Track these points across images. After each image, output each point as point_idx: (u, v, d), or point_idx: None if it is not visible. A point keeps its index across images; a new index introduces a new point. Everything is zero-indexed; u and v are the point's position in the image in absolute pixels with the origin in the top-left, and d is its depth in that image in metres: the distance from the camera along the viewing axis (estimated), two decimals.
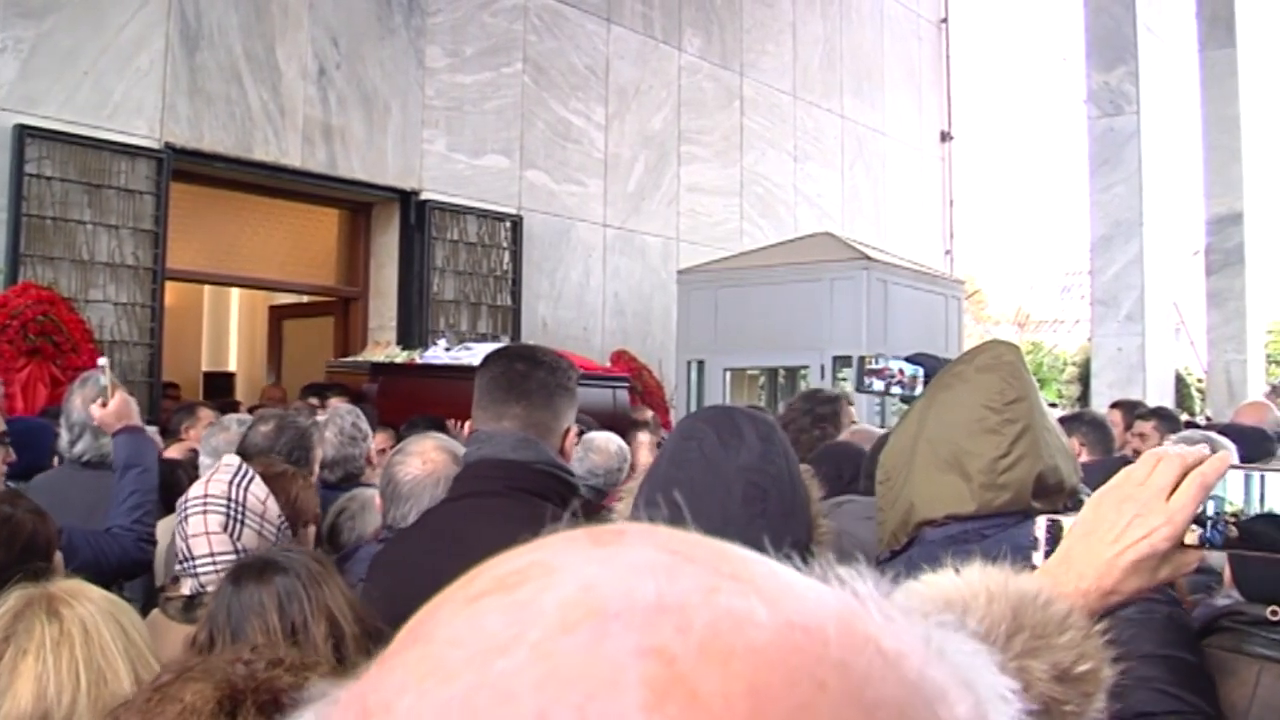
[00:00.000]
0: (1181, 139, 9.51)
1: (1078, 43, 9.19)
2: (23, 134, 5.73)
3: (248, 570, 1.63)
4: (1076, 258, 17.69)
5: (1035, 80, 35.48)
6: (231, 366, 11.00)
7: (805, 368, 7.17)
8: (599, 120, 9.03)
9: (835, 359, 6.75)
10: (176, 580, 2.18)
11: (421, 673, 0.30)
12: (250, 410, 4.94)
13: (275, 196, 7.66)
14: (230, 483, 2.17)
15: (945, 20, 13.44)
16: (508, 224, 8.29)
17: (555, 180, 8.65)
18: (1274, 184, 10.92)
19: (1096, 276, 8.91)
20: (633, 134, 9.30)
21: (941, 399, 1.81)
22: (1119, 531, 0.97)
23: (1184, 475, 0.98)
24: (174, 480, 3.22)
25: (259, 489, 2.18)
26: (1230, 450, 2.31)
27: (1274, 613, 1.47)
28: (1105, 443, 4.13)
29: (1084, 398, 11.84)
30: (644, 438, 4.32)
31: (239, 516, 2.13)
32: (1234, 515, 1.01)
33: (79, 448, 2.95)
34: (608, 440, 3.69)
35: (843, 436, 3.34)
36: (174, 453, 3.96)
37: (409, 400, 5.71)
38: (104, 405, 2.79)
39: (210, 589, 1.85)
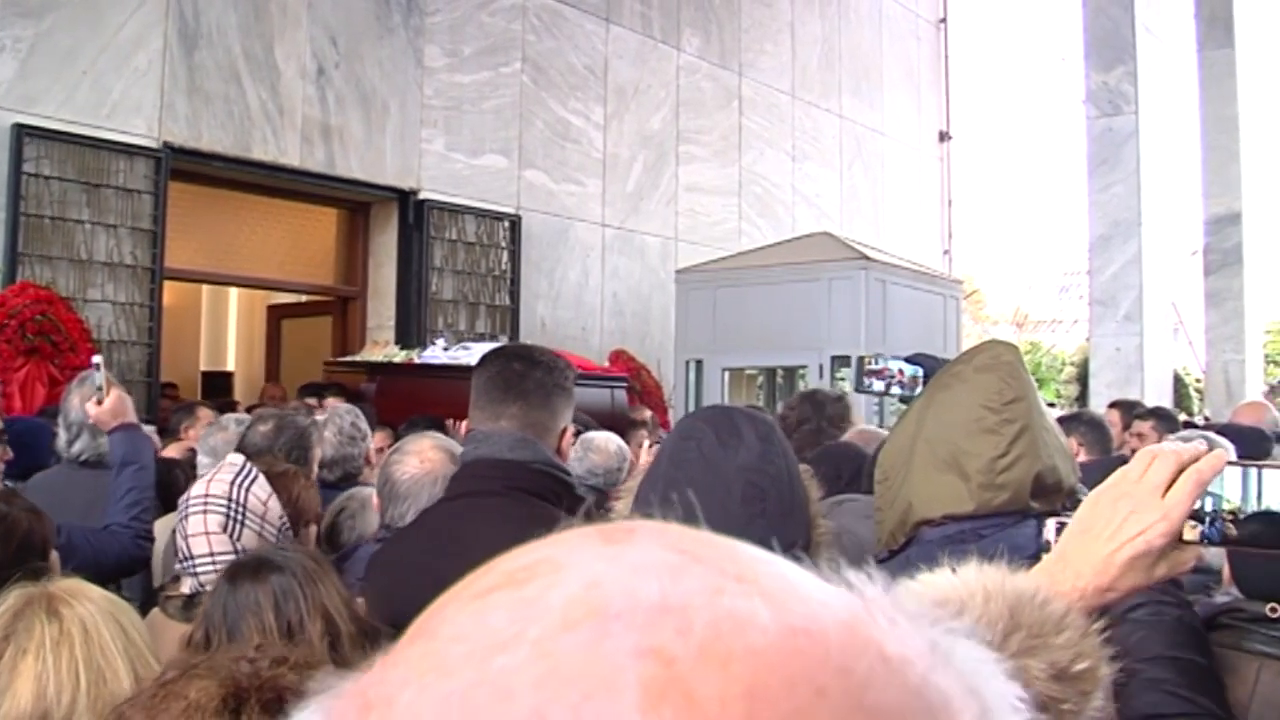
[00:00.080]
0: (1180, 139, 9.52)
1: (1076, 43, 9.20)
2: (21, 133, 5.73)
3: (244, 569, 1.63)
4: (1075, 258, 17.72)
5: (1034, 80, 35.52)
6: (230, 366, 11.00)
7: (804, 368, 7.17)
8: (597, 120, 9.03)
9: (834, 359, 6.75)
10: (177, 579, 2.18)
11: (424, 668, 0.30)
12: (248, 410, 4.94)
13: (274, 196, 7.66)
14: (232, 483, 2.16)
15: (944, 20, 13.45)
16: (506, 224, 8.29)
17: (554, 180, 8.65)
18: (1272, 184, 10.93)
19: (1095, 276, 8.91)
20: (631, 134, 9.30)
21: (940, 399, 1.81)
22: (1115, 528, 0.97)
23: (1179, 472, 0.98)
24: (171, 479, 3.22)
25: (261, 489, 2.18)
26: (1228, 450, 2.32)
27: (1273, 610, 1.47)
28: (1103, 442, 4.14)
29: (1082, 398, 11.86)
30: (647, 445, 4.31)
31: (239, 517, 2.12)
32: (1232, 513, 1.01)
33: (76, 447, 2.94)
34: (607, 440, 3.69)
35: (847, 437, 3.34)
36: (172, 452, 3.95)
37: (407, 400, 5.71)
38: (99, 403, 2.78)
39: (210, 588, 1.85)
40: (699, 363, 7.52)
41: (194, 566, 2.09)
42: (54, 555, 1.98)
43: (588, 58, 8.98)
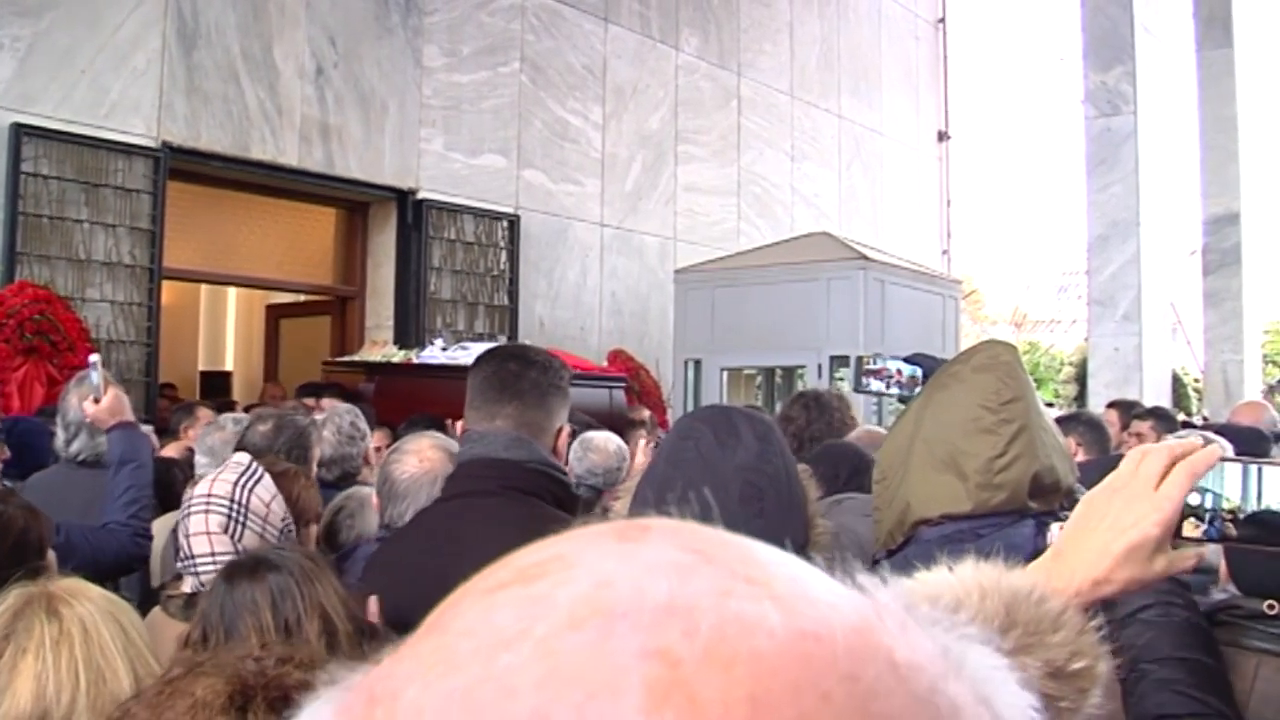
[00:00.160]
0: (1178, 139, 9.52)
1: (1075, 43, 9.20)
2: (19, 133, 5.73)
3: (241, 569, 1.63)
4: (1073, 257, 17.73)
5: (1032, 80, 35.52)
6: (228, 366, 11.00)
7: (802, 367, 7.17)
8: (596, 120, 9.03)
9: (832, 359, 6.75)
10: (178, 577, 2.18)
11: (430, 663, 0.30)
12: (246, 409, 4.94)
13: (272, 195, 7.65)
14: (235, 483, 2.16)
15: (943, 20, 13.46)
16: (505, 223, 8.29)
17: (552, 180, 8.65)
18: (1271, 184, 10.94)
19: (1093, 276, 8.92)
20: (630, 133, 9.30)
21: (938, 399, 1.81)
22: (1109, 522, 0.98)
23: (1173, 465, 0.98)
24: (169, 479, 3.22)
25: (265, 490, 2.18)
26: (1225, 448, 2.32)
27: (1270, 607, 1.48)
28: (1102, 442, 4.14)
29: (1081, 398, 11.86)
30: (645, 443, 4.30)
31: (240, 518, 2.12)
32: (1231, 512, 1.01)
33: (75, 447, 2.94)
34: (606, 440, 3.69)
35: (852, 437, 3.33)
36: (171, 451, 3.96)
37: (405, 400, 5.71)
38: (96, 402, 2.78)
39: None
40: (697, 362, 7.52)
41: (195, 566, 2.09)
42: (51, 554, 1.98)
43: (586, 57, 8.98)
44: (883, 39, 12.32)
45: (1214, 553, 1.45)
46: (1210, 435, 3.23)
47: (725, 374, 7.49)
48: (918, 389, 2.67)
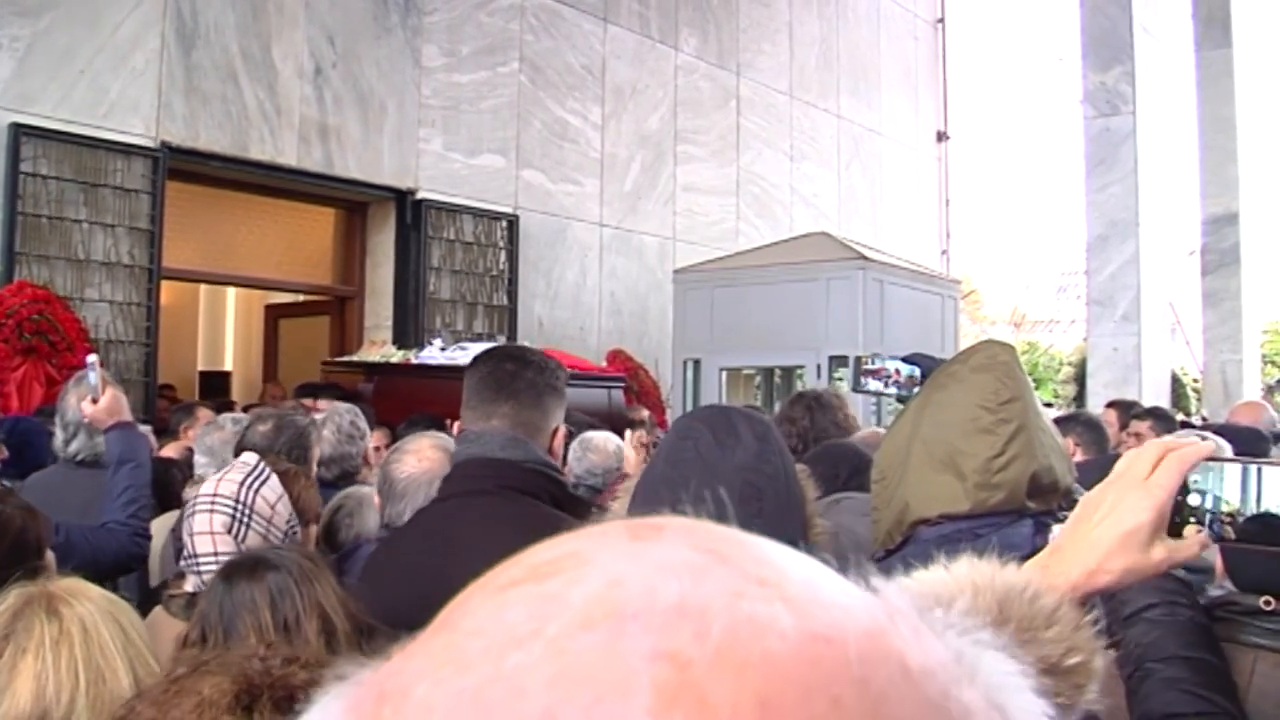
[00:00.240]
0: (1177, 139, 9.53)
1: (1074, 43, 9.20)
2: (18, 132, 5.73)
3: (239, 568, 1.63)
4: (1072, 258, 17.73)
5: (1031, 80, 35.55)
6: (227, 366, 11.00)
7: (801, 367, 7.17)
8: (595, 120, 9.03)
9: (831, 359, 6.76)
10: (181, 576, 2.18)
11: (440, 661, 0.30)
12: (245, 409, 4.94)
13: (271, 195, 7.66)
14: (241, 484, 2.16)
15: (941, 20, 13.46)
16: (504, 223, 8.29)
17: (551, 180, 8.65)
18: (1270, 184, 10.94)
19: (1092, 276, 8.92)
20: (629, 133, 9.30)
21: (936, 399, 1.81)
22: (1102, 513, 0.98)
23: (1164, 458, 0.99)
24: (168, 479, 3.22)
25: (270, 491, 2.18)
26: (1223, 448, 2.32)
27: (1267, 603, 1.49)
28: (1100, 443, 4.14)
29: (1080, 398, 11.87)
30: (633, 436, 4.30)
31: (245, 519, 2.12)
32: (1230, 515, 1.01)
33: (73, 447, 2.94)
34: (606, 440, 3.69)
35: (855, 437, 3.33)
36: (170, 451, 3.96)
37: (405, 400, 5.71)
38: (94, 402, 2.78)
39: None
40: (696, 362, 7.53)
41: (198, 565, 2.09)
42: (50, 554, 1.98)
43: (585, 57, 8.98)
44: (882, 39, 12.32)
45: (1210, 550, 1.45)
46: (1209, 435, 3.24)
47: (724, 374, 7.49)
48: (916, 389, 2.68)
